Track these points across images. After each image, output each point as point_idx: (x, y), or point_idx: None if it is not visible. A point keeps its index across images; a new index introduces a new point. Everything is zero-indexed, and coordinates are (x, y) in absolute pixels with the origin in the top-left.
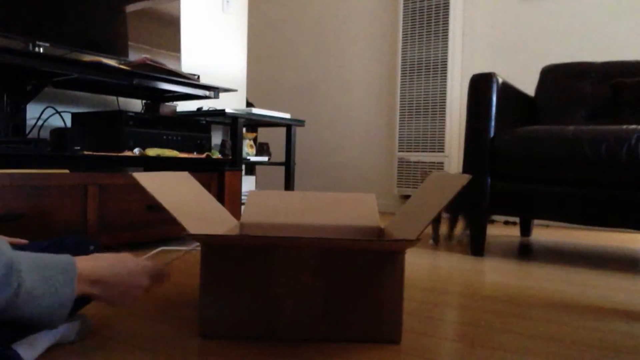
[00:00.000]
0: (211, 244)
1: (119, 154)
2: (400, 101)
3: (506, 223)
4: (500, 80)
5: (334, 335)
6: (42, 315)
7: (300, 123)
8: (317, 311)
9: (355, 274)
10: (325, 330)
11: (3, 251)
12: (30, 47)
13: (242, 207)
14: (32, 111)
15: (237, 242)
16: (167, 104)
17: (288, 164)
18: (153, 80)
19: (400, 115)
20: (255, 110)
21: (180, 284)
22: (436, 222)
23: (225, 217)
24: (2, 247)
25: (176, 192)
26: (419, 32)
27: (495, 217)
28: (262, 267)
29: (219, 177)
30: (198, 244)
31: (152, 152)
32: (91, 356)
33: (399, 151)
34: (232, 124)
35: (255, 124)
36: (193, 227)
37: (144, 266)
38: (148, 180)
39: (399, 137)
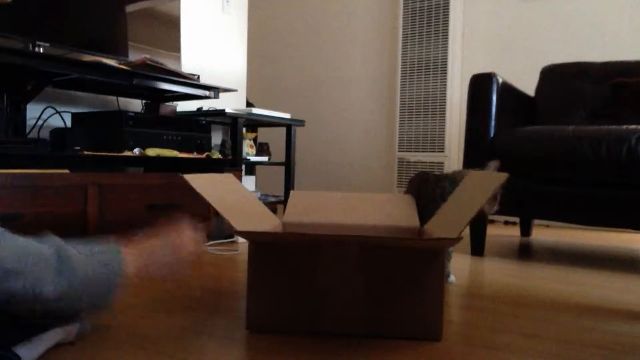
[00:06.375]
0: (258, 241)
1: (119, 154)
2: (400, 101)
3: (506, 223)
4: (500, 80)
5: (375, 331)
6: (92, 300)
7: (300, 123)
8: (359, 307)
9: (397, 271)
10: (367, 326)
11: (52, 241)
12: (30, 47)
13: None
14: (32, 111)
15: (282, 239)
16: (167, 104)
17: (288, 164)
18: (153, 80)
19: (400, 115)
20: (255, 110)
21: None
22: None
23: (268, 216)
24: (51, 238)
25: (223, 192)
26: (419, 32)
27: (495, 217)
28: (306, 264)
29: None
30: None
31: (152, 152)
32: (91, 357)
33: (399, 151)
34: (232, 124)
35: (255, 124)
36: (240, 225)
37: (191, 238)
38: (196, 181)
39: (399, 137)
